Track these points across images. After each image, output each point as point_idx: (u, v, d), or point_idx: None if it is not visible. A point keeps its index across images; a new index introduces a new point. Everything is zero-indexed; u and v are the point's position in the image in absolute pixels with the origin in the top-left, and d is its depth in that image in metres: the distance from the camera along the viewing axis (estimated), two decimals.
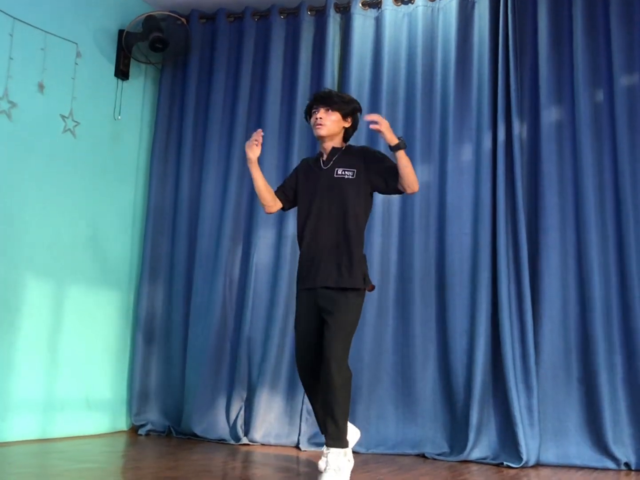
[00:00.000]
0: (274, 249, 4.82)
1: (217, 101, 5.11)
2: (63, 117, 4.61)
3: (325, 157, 3.49)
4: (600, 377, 4.06)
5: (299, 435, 4.43)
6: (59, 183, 4.54)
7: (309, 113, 3.50)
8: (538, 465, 4.01)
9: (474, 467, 3.93)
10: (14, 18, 4.28)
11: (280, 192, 3.60)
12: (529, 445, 3.99)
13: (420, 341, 4.41)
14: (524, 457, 3.93)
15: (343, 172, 3.40)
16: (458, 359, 4.29)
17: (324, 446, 3.19)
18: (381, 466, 3.80)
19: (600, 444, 4.01)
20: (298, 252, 4.65)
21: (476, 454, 4.11)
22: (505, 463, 3.97)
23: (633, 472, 3.88)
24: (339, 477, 3.07)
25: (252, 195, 4.92)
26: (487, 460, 4.07)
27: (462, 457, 4.09)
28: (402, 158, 3.27)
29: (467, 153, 4.55)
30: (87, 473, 3.33)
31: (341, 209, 3.36)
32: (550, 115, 4.43)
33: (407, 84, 4.74)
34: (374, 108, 4.75)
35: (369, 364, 4.47)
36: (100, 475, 3.34)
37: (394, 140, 3.27)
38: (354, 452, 3.62)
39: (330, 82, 4.87)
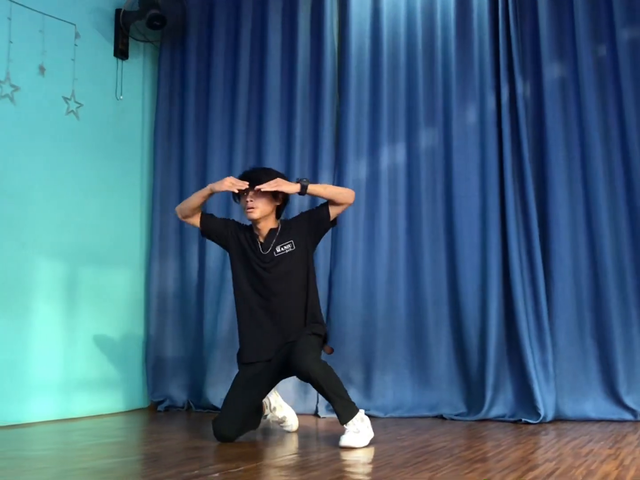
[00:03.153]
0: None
1: (218, 75, 5.09)
2: (65, 99, 4.60)
3: (262, 239, 3.45)
4: (614, 331, 4.08)
5: (317, 402, 4.47)
6: (66, 164, 4.55)
7: (238, 194, 3.42)
8: (556, 420, 4.05)
9: (493, 425, 3.97)
10: (12, 1, 4.27)
11: (209, 221, 3.55)
12: (545, 401, 4.01)
13: (432, 304, 4.44)
14: (542, 413, 3.96)
15: (282, 249, 3.42)
16: (471, 319, 4.31)
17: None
18: (400, 428, 3.84)
19: (615, 396, 4.05)
20: None
21: (494, 413, 4.14)
22: (523, 419, 4.00)
23: None
24: (359, 438, 3.11)
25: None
26: (505, 418, 4.11)
27: (480, 416, 4.13)
28: (314, 192, 3.36)
29: (471, 115, 4.54)
30: (111, 447, 3.38)
31: (290, 283, 3.41)
32: (552, 72, 4.41)
33: (407, 48, 4.72)
34: (375, 74, 4.74)
35: (382, 330, 4.50)
36: (124, 448, 3.39)
37: (294, 188, 3.30)
38: (372, 416, 3.66)
39: (329, 49, 4.85)
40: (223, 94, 5.09)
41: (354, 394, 4.34)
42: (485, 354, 4.21)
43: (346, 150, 4.72)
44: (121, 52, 5.06)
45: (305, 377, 3.21)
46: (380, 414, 4.28)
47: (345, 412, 3.17)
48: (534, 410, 4.01)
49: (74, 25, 4.69)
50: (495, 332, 4.22)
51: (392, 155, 4.67)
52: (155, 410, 4.85)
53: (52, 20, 4.53)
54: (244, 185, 3.34)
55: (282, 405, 3.75)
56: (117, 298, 4.87)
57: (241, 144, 4.98)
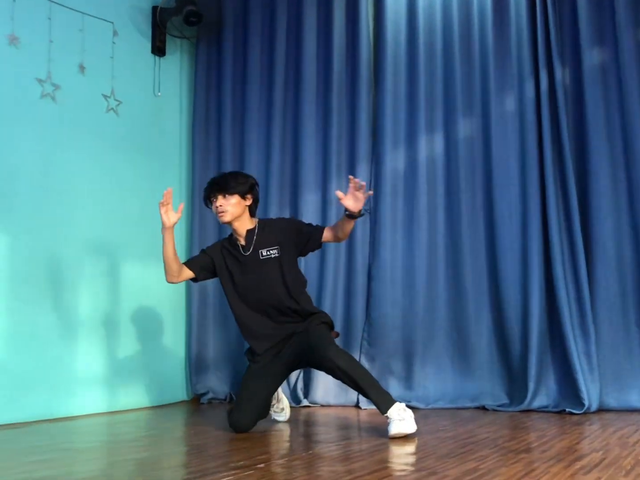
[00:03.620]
0: (320, 212, 4.85)
1: (254, 69, 5.12)
2: (105, 96, 4.67)
3: (243, 241, 3.51)
4: None
5: (358, 394, 4.47)
6: (107, 161, 4.62)
7: (209, 199, 3.51)
8: (600, 410, 4.00)
9: (536, 416, 3.94)
10: (51, 1, 4.34)
11: (193, 264, 3.59)
12: (589, 391, 3.97)
13: (472, 294, 4.42)
14: (586, 403, 3.92)
15: (268, 253, 3.47)
16: (512, 309, 4.28)
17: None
18: (442, 419, 3.83)
19: None
20: (343, 214, 4.71)
21: (537, 403, 4.11)
22: (567, 410, 3.96)
23: None
24: (405, 425, 3.12)
25: (296, 162, 4.95)
26: (549, 409, 4.08)
27: (523, 407, 4.10)
28: (351, 225, 3.39)
29: (510, 103, 4.50)
30: (157, 439, 3.44)
31: (279, 288, 3.45)
32: (592, 58, 4.34)
33: (443, 36, 4.69)
34: (412, 63, 4.72)
35: (422, 320, 4.50)
36: (169, 440, 3.44)
37: (358, 209, 3.27)
38: (413, 407, 3.67)
39: (365, 40, 4.85)
40: (259, 87, 5.11)
41: (394, 385, 4.40)
42: (527, 344, 4.18)
43: (383, 141, 4.71)
44: (158, 49, 5.11)
45: (331, 369, 3.24)
46: (422, 405, 4.29)
47: (383, 400, 3.18)
48: (577, 400, 3.97)
49: (112, 23, 4.75)
50: (537, 322, 4.19)
51: (430, 145, 4.65)
52: (198, 403, 4.91)
53: (91, 19, 4.60)
54: (168, 198, 3.38)
55: (283, 396, 3.90)
56: (159, 292, 4.93)
57: (278, 138, 5.00)
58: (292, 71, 5.05)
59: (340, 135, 4.87)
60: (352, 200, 3.26)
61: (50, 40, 4.32)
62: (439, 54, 4.68)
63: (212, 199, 3.49)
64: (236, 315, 3.57)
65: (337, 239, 3.52)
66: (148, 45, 5.07)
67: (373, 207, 4.69)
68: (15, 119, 4.10)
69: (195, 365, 5.01)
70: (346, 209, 3.28)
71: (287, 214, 4.94)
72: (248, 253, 3.49)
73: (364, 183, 3.24)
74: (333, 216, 4.73)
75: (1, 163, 4.01)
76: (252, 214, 3.56)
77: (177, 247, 5.06)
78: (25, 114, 4.15)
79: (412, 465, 2.59)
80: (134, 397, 4.65)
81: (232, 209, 3.44)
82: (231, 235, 3.60)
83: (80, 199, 4.42)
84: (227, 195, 3.44)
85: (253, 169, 5.02)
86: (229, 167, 5.11)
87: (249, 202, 3.51)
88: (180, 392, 5.06)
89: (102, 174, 4.58)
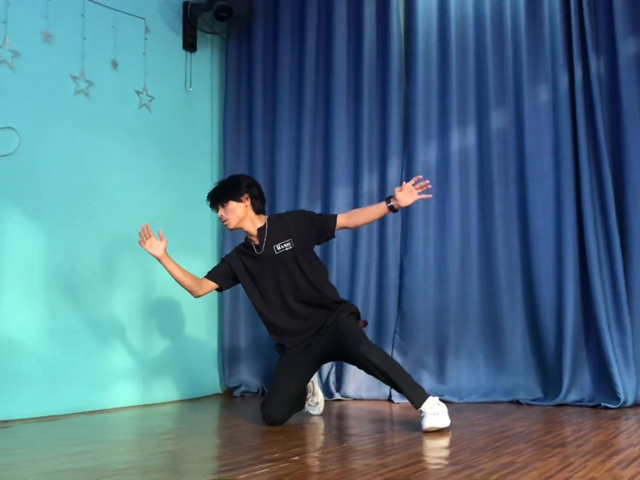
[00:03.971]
0: (351, 206, 4.83)
1: (284, 64, 5.13)
2: (137, 92, 4.71)
3: (256, 241, 3.52)
4: None
5: (391, 388, 4.46)
6: (139, 157, 4.67)
7: (213, 208, 3.58)
8: (636, 405, 3.95)
9: (571, 410, 3.90)
10: None
11: (213, 276, 3.62)
12: (625, 385, 3.92)
13: (506, 288, 4.39)
14: (622, 397, 3.87)
15: (282, 247, 3.48)
16: (546, 303, 4.24)
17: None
18: (476, 413, 3.81)
19: None
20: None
21: (571, 398, 4.07)
22: (602, 404, 3.92)
23: None
24: (439, 419, 3.11)
25: (327, 156, 4.96)
26: (584, 403, 4.03)
27: (557, 401, 4.06)
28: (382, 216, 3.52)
29: (543, 94, 4.44)
30: (190, 431, 3.47)
31: (299, 279, 3.47)
32: (628, 47, 4.27)
33: (475, 28, 4.65)
34: (443, 56, 4.69)
35: (455, 314, 4.48)
36: (203, 432, 3.47)
37: (406, 205, 3.36)
38: (446, 401, 3.65)
39: (395, 33, 4.83)
40: (290, 82, 5.12)
41: (426, 379, 4.38)
42: (562, 337, 4.14)
43: (415, 134, 4.69)
44: (190, 45, 5.14)
45: (364, 364, 3.25)
46: (455, 399, 4.27)
47: (417, 394, 3.18)
48: (613, 394, 3.92)
49: (144, 19, 4.79)
50: (572, 315, 4.14)
51: (462, 138, 4.62)
52: (231, 396, 4.95)
53: (123, 16, 4.64)
54: (145, 233, 3.48)
55: (319, 390, 3.92)
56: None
57: (309, 132, 5.00)
58: (323, 65, 5.05)
59: (372, 129, 4.86)
60: (408, 194, 3.33)
61: (83, 37, 4.36)
62: (471, 46, 4.64)
63: (213, 210, 3.58)
64: (262, 315, 3.58)
65: (353, 227, 3.57)
66: (179, 41, 5.10)
67: None
68: (50, 115, 4.15)
69: (228, 359, 5.04)
70: (392, 202, 3.33)
71: (318, 209, 4.94)
72: (262, 251, 3.51)
73: (427, 181, 3.36)
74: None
75: (36, 159, 4.06)
76: (258, 211, 3.56)
77: (209, 244, 5.18)
78: (59, 110, 4.21)
79: (447, 459, 2.58)
80: (167, 390, 4.70)
81: (233, 215, 3.48)
82: (245, 238, 3.63)
83: (113, 194, 4.47)
84: (224, 205, 3.49)
85: (284, 164, 5.04)
86: (260, 161, 5.14)
87: (247, 202, 3.51)
88: (213, 386, 5.10)
89: (134, 170, 4.63)
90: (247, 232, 3.56)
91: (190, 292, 3.61)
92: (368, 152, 4.83)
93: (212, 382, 5.10)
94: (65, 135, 4.22)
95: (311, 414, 3.86)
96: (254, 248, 3.54)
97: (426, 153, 4.69)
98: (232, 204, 3.48)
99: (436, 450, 2.80)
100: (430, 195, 3.45)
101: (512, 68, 4.53)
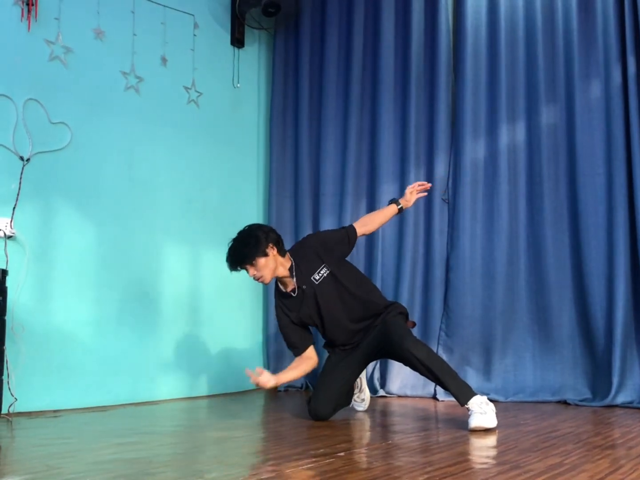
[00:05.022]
0: None
1: (331, 60, 5.13)
2: (186, 88, 4.76)
3: (291, 284, 3.43)
4: None
5: (435, 385, 4.44)
6: (187, 152, 4.72)
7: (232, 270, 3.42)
8: None
9: (620, 411, 3.82)
10: None
11: (298, 341, 3.50)
12: None
13: (555, 287, 4.33)
14: None
15: (320, 275, 3.41)
16: (596, 302, 4.17)
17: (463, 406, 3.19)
18: (522, 413, 3.77)
19: None
20: (422, 206, 4.69)
21: (621, 399, 3.99)
22: None
23: None
24: (486, 419, 3.08)
25: (373, 151, 4.95)
26: (634, 404, 3.95)
27: (606, 402, 3.98)
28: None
29: (595, 90, 4.36)
30: (236, 424, 3.48)
31: (350, 302, 3.45)
32: None
33: (526, 22, 4.58)
34: (493, 51, 4.64)
35: (502, 312, 4.43)
36: (249, 426, 3.50)
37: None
38: (492, 400, 3.61)
39: (444, 28, 4.79)
40: (336, 77, 5.12)
41: (472, 377, 4.35)
42: (612, 337, 4.06)
43: (463, 130, 4.65)
44: (238, 41, 5.18)
45: (409, 360, 3.24)
46: (501, 398, 4.22)
47: (462, 391, 3.16)
48: None
49: (193, 16, 4.84)
50: (622, 315, 4.06)
51: (512, 134, 4.56)
52: (276, 391, 4.97)
53: (172, 12, 4.69)
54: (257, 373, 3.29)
55: (366, 387, 3.91)
56: (237, 281, 4.98)
57: (355, 127, 5.00)
58: (370, 61, 5.04)
59: (419, 124, 4.83)
60: (415, 195, 3.55)
61: (133, 33, 4.43)
62: (520, 41, 4.58)
63: (239, 270, 3.41)
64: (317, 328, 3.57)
65: (368, 233, 3.66)
66: (227, 37, 5.14)
67: (452, 197, 4.65)
68: (101, 111, 4.22)
69: (273, 353, 5.07)
70: (402, 203, 3.55)
71: (363, 205, 4.94)
72: (303, 288, 3.42)
73: (429, 185, 3.61)
74: (410, 207, 4.68)
75: (88, 154, 4.14)
76: (283, 253, 3.44)
77: None
78: (110, 106, 4.28)
79: (494, 458, 2.56)
80: (213, 383, 4.75)
81: (266, 270, 3.34)
82: (277, 289, 3.53)
83: (161, 188, 4.53)
84: (252, 264, 3.33)
85: (330, 159, 5.04)
86: (306, 157, 5.15)
87: (274, 251, 3.36)
88: None
89: (183, 164, 4.68)
90: (279, 280, 3.47)
91: (312, 370, 3.55)
92: (415, 148, 4.80)
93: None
94: (116, 131, 4.29)
95: (357, 410, 3.86)
96: (292, 293, 3.46)
97: (474, 149, 4.64)
98: (262, 260, 3.32)
99: (483, 449, 2.78)
100: (425, 193, 3.65)
101: (564, 63, 4.45)
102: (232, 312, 4.96)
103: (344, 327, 3.49)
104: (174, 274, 4.56)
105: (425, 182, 3.61)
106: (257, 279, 3.38)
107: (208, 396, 4.63)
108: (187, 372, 4.59)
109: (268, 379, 3.27)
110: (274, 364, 5.05)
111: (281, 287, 3.51)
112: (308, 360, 3.48)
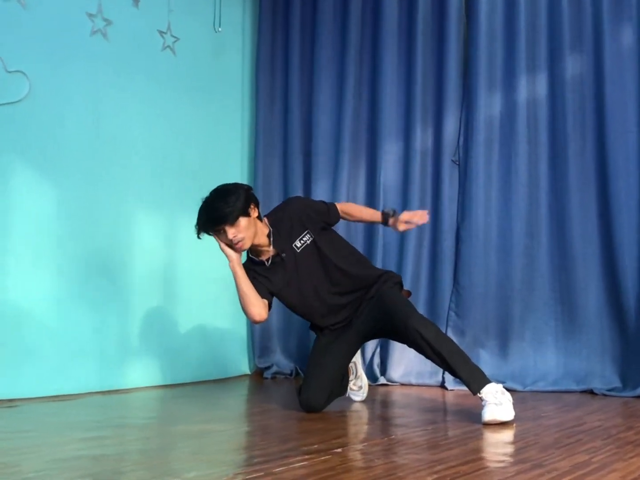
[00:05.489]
0: (402, 165, 4.79)
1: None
2: (161, 32, 4.69)
3: (268, 251, 3.36)
4: None
5: (444, 373, 4.43)
6: (162, 105, 4.67)
7: (208, 234, 3.28)
8: None
9: None
10: None
11: (263, 292, 3.35)
12: None
13: (580, 261, 4.30)
14: None
15: (302, 242, 3.38)
16: (628, 279, 4.14)
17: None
18: (543, 404, 3.76)
19: None
20: (429, 169, 4.64)
21: None
22: None
23: None
24: (502, 411, 3.04)
25: (373, 106, 4.92)
26: None
27: (638, 392, 3.97)
28: None
29: (627, 37, 4.31)
30: (218, 416, 3.46)
31: (334, 273, 3.42)
32: None
33: None
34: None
35: (520, 290, 4.43)
36: (232, 417, 3.50)
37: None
38: (508, 389, 3.59)
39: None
40: (332, 21, 5.09)
41: (486, 363, 4.34)
42: None
43: (476, 81, 4.60)
44: None
45: (413, 340, 3.18)
46: (519, 387, 4.21)
47: (475, 379, 3.12)
48: None
49: None
50: None
51: (532, 87, 4.51)
52: (261, 377, 4.97)
53: None
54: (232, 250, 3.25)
55: (362, 373, 3.85)
56: (220, 256, 4.93)
57: (352, 77, 4.96)
58: (370, 2, 4.95)
59: (426, 74, 4.78)
60: (407, 225, 3.44)
61: None
62: None
63: (212, 234, 3.28)
64: (293, 307, 3.51)
65: (345, 219, 3.61)
66: None
67: (463, 158, 4.60)
68: (63, 57, 4.15)
69: (259, 337, 5.06)
70: (391, 220, 3.44)
71: (362, 168, 4.89)
72: (282, 256, 3.36)
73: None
74: (416, 169, 4.67)
75: (49, 107, 4.07)
76: (261, 218, 3.37)
77: None
78: (74, 52, 4.20)
79: (512, 455, 2.53)
80: (192, 369, 4.73)
81: (247, 232, 3.23)
82: (249, 258, 3.44)
83: (133, 146, 4.48)
84: (233, 224, 3.20)
85: (323, 113, 5.01)
86: (296, 110, 5.10)
87: (255, 213, 3.28)
88: (241, 366, 5.12)
89: (158, 118, 4.63)
90: (254, 247, 3.35)
91: (254, 314, 3.29)
92: (422, 102, 4.75)
93: (240, 362, 5.13)
94: (80, 81, 4.22)
95: (353, 400, 3.82)
96: (269, 261, 3.38)
97: (489, 104, 4.60)
98: (244, 220, 3.21)
99: (499, 445, 2.76)
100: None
101: (591, 6, 4.38)
102: (211, 288, 4.90)
103: (323, 300, 3.44)
104: (145, 244, 4.51)
105: (426, 217, 3.46)
106: (236, 243, 3.22)
107: (185, 384, 4.61)
108: (161, 357, 4.56)
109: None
110: (260, 349, 5.03)
111: (253, 256, 3.43)
112: (260, 304, 3.30)
